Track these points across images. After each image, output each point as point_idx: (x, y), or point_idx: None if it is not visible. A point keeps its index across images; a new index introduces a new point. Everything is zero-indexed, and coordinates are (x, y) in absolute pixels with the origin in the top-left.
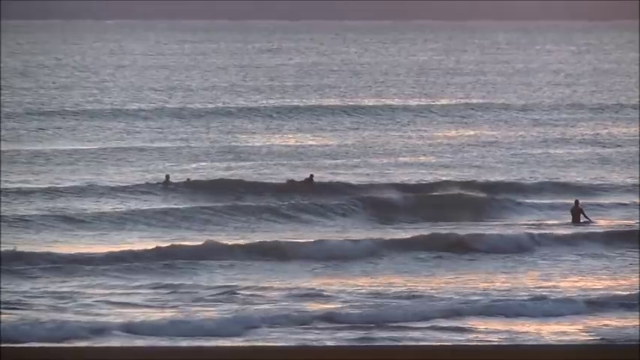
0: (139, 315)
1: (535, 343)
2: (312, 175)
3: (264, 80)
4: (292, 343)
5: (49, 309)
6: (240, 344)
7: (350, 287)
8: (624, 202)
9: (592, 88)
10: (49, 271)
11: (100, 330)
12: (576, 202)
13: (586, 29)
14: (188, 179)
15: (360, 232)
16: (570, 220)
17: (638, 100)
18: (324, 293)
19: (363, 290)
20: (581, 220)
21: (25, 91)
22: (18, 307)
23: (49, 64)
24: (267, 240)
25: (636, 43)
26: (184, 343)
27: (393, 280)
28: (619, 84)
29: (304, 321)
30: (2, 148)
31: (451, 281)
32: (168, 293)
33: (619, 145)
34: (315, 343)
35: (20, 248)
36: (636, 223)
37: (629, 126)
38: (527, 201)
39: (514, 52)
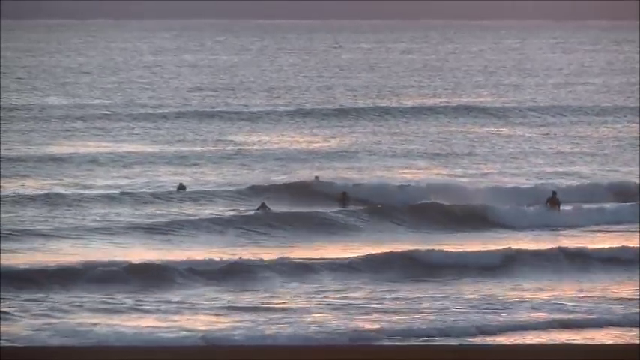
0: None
1: (535, 342)
2: None
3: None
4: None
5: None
6: (241, 344)
7: None
8: None
9: None
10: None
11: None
12: (554, 193)
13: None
14: (181, 184)
15: None
16: None
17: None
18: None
19: None
20: None
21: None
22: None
23: (53, 64)
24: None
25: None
26: None
27: None
28: None
29: None
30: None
31: None
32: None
33: None
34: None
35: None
36: None
37: None
38: None
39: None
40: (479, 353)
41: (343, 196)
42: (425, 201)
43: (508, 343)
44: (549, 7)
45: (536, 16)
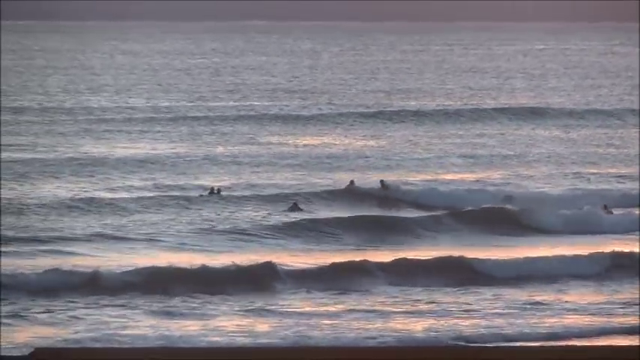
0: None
1: (535, 343)
2: None
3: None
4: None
5: None
6: (241, 345)
7: None
8: None
9: None
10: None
11: None
12: (605, 207)
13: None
14: (214, 189)
15: None
16: None
17: None
18: None
19: None
20: None
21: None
22: None
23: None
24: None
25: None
26: None
27: None
28: None
29: None
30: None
31: None
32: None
33: None
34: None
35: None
36: None
37: None
38: None
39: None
40: (479, 353)
41: (382, 185)
42: (491, 205)
43: (508, 344)
44: (548, 9)
45: (534, 19)
